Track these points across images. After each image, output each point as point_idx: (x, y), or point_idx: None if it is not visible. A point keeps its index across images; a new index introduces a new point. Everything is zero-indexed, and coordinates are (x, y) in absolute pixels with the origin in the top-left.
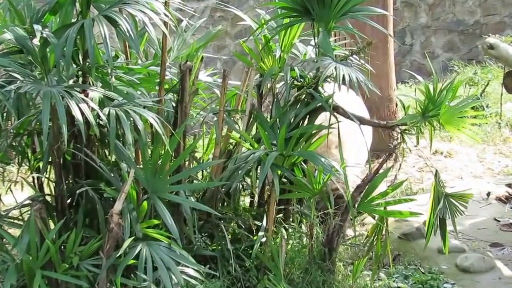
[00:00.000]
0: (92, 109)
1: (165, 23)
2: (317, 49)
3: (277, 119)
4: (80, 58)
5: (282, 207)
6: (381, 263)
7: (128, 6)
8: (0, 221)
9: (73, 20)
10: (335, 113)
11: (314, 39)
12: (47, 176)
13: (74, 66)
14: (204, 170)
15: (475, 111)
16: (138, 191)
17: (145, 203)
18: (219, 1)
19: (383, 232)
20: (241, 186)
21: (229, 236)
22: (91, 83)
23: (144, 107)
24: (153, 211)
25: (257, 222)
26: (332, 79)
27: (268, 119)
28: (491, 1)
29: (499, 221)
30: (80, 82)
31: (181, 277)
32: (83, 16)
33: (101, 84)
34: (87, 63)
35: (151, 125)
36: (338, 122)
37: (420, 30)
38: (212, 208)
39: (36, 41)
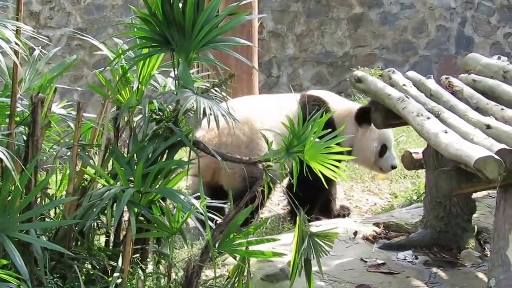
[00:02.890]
0: None
1: (16, 52)
2: (177, 81)
3: (135, 154)
4: None
5: (139, 246)
6: None
7: None
8: None
9: None
10: (196, 148)
11: (174, 70)
12: None
13: None
14: (57, 208)
15: (342, 147)
16: None
17: None
18: (76, 29)
19: (245, 273)
20: (96, 224)
21: (83, 277)
22: None
23: None
24: (1, 250)
25: (112, 263)
26: (193, 112)
27: (125, 154)
28: (361, 32)
29: (366, 261)
30: None
31: None
32: None
33: None
34: None
35: (1, 160)
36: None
37: (288, 62)
38: (64, 248)
39: None
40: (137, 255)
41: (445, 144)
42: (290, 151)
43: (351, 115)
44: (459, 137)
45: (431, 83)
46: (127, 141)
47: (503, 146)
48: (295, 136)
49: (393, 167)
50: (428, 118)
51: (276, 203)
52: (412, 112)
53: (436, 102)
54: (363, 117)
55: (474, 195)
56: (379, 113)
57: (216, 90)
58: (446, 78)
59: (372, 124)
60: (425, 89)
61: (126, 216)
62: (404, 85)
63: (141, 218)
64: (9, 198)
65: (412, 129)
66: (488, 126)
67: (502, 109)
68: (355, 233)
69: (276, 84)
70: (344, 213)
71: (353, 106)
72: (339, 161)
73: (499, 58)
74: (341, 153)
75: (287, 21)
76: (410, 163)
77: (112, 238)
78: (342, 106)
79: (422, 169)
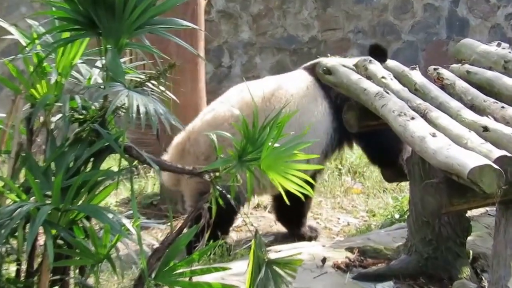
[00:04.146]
0: None
1: None
2: (105, 73)
3: (52, 163)
4: None
5: (58, 277)
6: None
7: None
8: None
9: None
10: (128, 155)
11: (101, 59)
12: None
13: None
14: None
15: (308, 154)
16: None
17: None
18: None
19: None
20: (4, 250)
21: None
22: None
23: None
24: None
25: None
26: (124, 111)
27: (41, 163)
28: (331, 12)
29: None
30: None
31: None
32: None
33: None
34: None
35: None
36: (133, 167)
37: (242, 48)
38: None
39: None
40: (56, 287)
41: (433, 150)
42: (243, 159)
43: None
44: (450, 141)
45: (416, 75)
46: (43, 147)
47: (503, 152)
48: (249, 140)
49: None
50: (413, 118)
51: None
52: (393, 111)
53: (423, 98)
54: (376, 53)
55: (469, 213)
56: (353, 112)
57: (152, 84)
58: (435, 69)
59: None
60: (409, 83)
61: (41, 240)
62: (383, 77)
63: (60, 242)
64: None
65: None
66: (486, 128)
67: (503, 107)
68: (324, 260)
69: (227, 76)
70: (310, 235)
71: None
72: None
73: (499, 45)
74: (307, 161)
75: None
76: (391, 174)
77: (24, 267)
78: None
79: (405, 181)
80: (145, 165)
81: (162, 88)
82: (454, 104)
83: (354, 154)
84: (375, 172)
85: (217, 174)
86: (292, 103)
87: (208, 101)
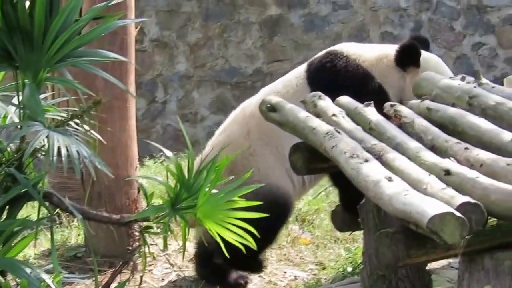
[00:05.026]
0: None
1: None
2: (21, 110)
3: None
4: None
5: None
6: None
7: None
8: None
9: None
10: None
11: (18, 95)
12: None
13: None
14: None
15: (250, 202)
16: None
17: None
18: None
19: None
20: None
21: None
22: None
23: None
24: None
25: None
26: (43, 153)
27: None
28: (278, 41)
29: None
30: None
31: None
32: None
33: None
34: None
35: None
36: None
37: (178, 82)
38: None
39: None
40: None
41: (389, 196)
42: (177, 206)
43: (389, 59)
44: (408, 186)
45: (371, 113)
46: None
47: (467, 199)
48: (183, 185)
49: None
50: (366, 160)
51: (159, 277)
52: (344, 152)
53: (378, 138)
54: (406, 57)
55: (429, 266)
56: (300, 154)
57: (76, 123)
58: (392, 106)
59: (422, 63)
60: (362, 121)
61: None
62: (334, 115)
63: None
64: None
65: None
66: (447, 172)
67: (467, 148)
68: None
69: (161, 112)
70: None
71: (389, 48)
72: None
73: (463, 79)
74: (249, 208)
75: (178, 26)
76: (343, 222)
77: None
78: (372, 52)
79: (359, 231)
80: (68, 213)
81: (86, 127)
82: (412, 144)
83: (302, 201)
84: (325, 220)
85: (148, 223)
86: None
87: (140, 141)
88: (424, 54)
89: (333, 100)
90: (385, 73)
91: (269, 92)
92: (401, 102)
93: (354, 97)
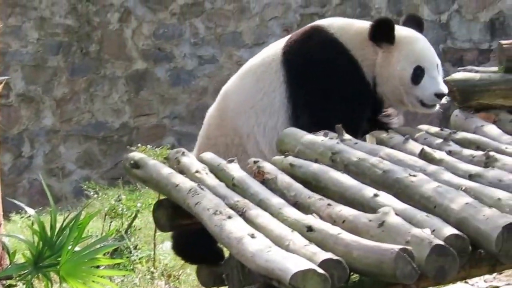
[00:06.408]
0: None
1: None
2: None
3: None
4: None
5: None
6: None
7: None
8: None
9: None
10: None
11: None
12: None
13: None
14: None
15: (113, 259)
16: None
17: None
18: None
19: None
20: None
21: None
22: None
23: None
24: None
25: None
26: None
27: None
28: (144, 96)
29: None
30: None
31: None
32: None
33: None
34: None
35: None
36: None
37: (44, 136)
38: None
39: None
40: None
41: (252, 252)
42: (40, 264)
43: (365, 34)
44: (270, 243)
45: (234, 169)
46: None
47: (329, 255)
48: (46, 243)
49: (439, 95)
50: (230, 217)
51: None
52: (208, 209)
53: (241, 194)
54: (380, 32)
55: None
56: (164, 210)
57: None
58: (255, 162)
59: (396, 40)
60: (226, 177)
61: None
62: (197, 171)
63: None
64: None
65: None
66: (310, 228)
67: (329, 204)
68: None
69: (28, 167)
70: None
71: (366, 23)
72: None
73: (326, 135)
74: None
75: (44, 81)
76: (208, 278)
77: None
78: (352, 27)
79: (223, 287)
80: None
81: None
82: (275, 201)
83: (169, 255)
84: (191, 275)
85: (11, 281)
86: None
87: (6, 196)
88: (404, 32)
89: (305, 81)
90: (360, 47)
91: (247, 70)
92: (375, 79)
93: (327, 71)
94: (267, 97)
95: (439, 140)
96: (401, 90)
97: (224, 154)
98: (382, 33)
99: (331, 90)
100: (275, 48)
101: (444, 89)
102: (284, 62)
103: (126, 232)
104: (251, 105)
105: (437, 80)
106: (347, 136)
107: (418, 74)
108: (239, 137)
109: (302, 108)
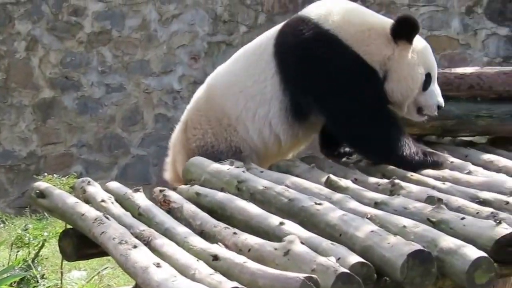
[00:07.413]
0: None
1: None
2: None
3: None
4: None
5: None
6: None
7: None
8: None
9: None
10: None
11: None
12: None
13: None
14: None
15: None
16: None
17: None
18: None
19: None
20: None
21: None
22: None
23: None
24: None
25: None
26: None
27: None
28: (52, 124)
29: None
30: None
31: None
32: None
33: None
34: None
35: None
36: None
37: None
38: None
39: None
40: None
41: (157, 282)
42: None
43: (377, 28)
44: (176, 272)
45: (140, 198)
46: None
47: (234, 284)
48: None
49: (440, 107)
50: (135, 246)
51: None
52: (113, 238)
53: (147, 224)
54: (404, 29)
55: None
56: (70, 240)
57: None
58: (161, 191)
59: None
60: (131, 207)
61: None
62: (103, 201)
63: None
64: None
65: None
66: (216, 257)
67: (235, 233)
68: None
69: None
70: None
71: (381, 17)
72: None
73: (232, 164)
74: None
75: None
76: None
77: None
78: (358, 18)
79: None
80: None
81: None
82: (181, 230)
83: (76, 285)
84: None
85: None
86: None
87: None
88: (417, 36)
89: (301, 75)
90: (367, 42)
91: (240, 55)
92: (386, 73)
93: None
94: (258, 85)
95: (345, 168)
96: (409, 91)
97: (215, 129)
98: (406, 31)
99: (342, 85)
100: (267, 37)
101: (442, 101)
102: (275, 54)
103: (33, 261)
104: (240, 89)
105: (439, 92)
106: (253, 165)
107: (427, 81)
108: (227, 117)
109: (313, 104)
